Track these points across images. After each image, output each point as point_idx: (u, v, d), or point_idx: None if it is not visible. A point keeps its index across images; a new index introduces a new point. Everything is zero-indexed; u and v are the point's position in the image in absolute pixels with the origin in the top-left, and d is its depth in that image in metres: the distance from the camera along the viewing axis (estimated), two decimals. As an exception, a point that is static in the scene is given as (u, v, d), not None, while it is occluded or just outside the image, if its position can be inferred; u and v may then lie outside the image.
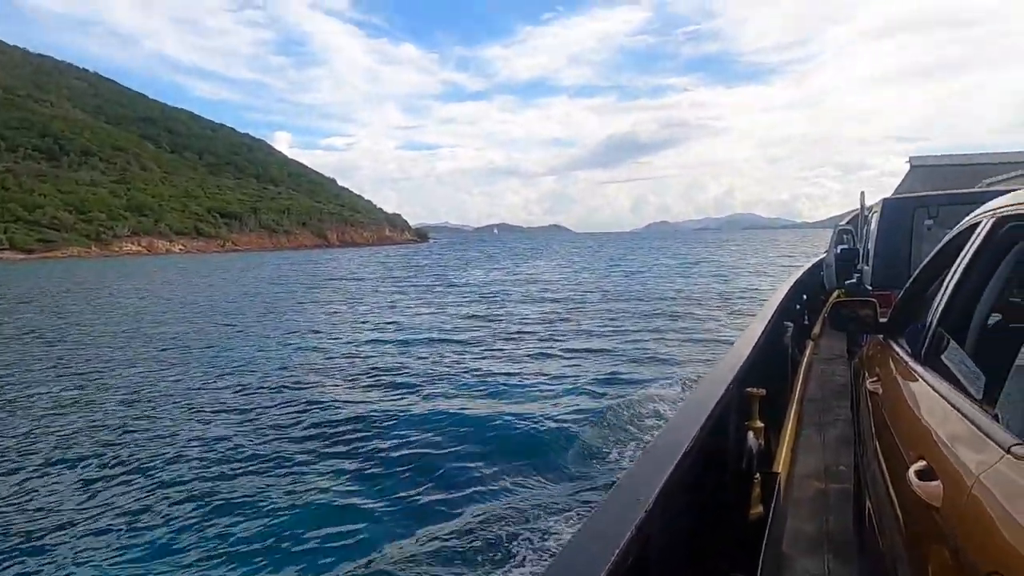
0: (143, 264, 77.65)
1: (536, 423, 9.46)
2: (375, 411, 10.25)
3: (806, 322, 8.50)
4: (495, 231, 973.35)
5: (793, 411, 5.28)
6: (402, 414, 10.03)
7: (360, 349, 16.15)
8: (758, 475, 2.68)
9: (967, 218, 2.14)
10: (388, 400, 11.03)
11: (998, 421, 1.17)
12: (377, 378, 12.73)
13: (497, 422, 9.62)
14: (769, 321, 4.26)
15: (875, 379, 2.47)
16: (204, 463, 8.19)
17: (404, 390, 11.63)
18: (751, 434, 2.72)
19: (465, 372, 13.07)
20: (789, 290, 6.66)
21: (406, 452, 8.40)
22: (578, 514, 6.47)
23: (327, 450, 8.64)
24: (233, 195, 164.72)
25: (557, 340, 16.88)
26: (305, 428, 9.59)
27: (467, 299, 28.12)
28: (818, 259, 12.52)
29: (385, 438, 8.98)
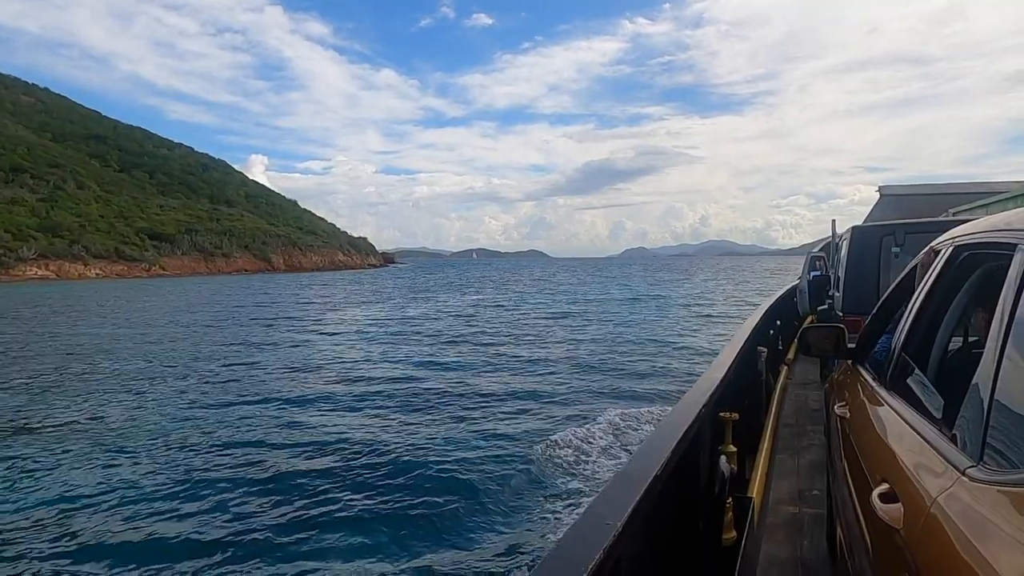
0: (34, 291, 63.77)
1: (494, 455, 9.48)
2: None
3: (780, 347, 8.59)
4: (474, 255, 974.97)
5: (767, 436, 5.31)
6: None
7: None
8: (731, 499, 2.68)
9: (928, 246, 2.21)
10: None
11: (955, 443, 1.20)
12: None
13: (455, 452, 9.68)
14: (742, 346, 4.30)
15: (843, 403, 2.51)
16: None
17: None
18: (724, 458, 2.74)
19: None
20: (763, 316, 6.73)
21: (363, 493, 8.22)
22: (548, 539, 6.47)
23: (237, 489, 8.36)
24: (172, 215, 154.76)
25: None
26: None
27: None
28: (792, 285, 12.71)
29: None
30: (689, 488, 2.32)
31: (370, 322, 30.75)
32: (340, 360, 19.03)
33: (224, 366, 17.92)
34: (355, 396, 13.65)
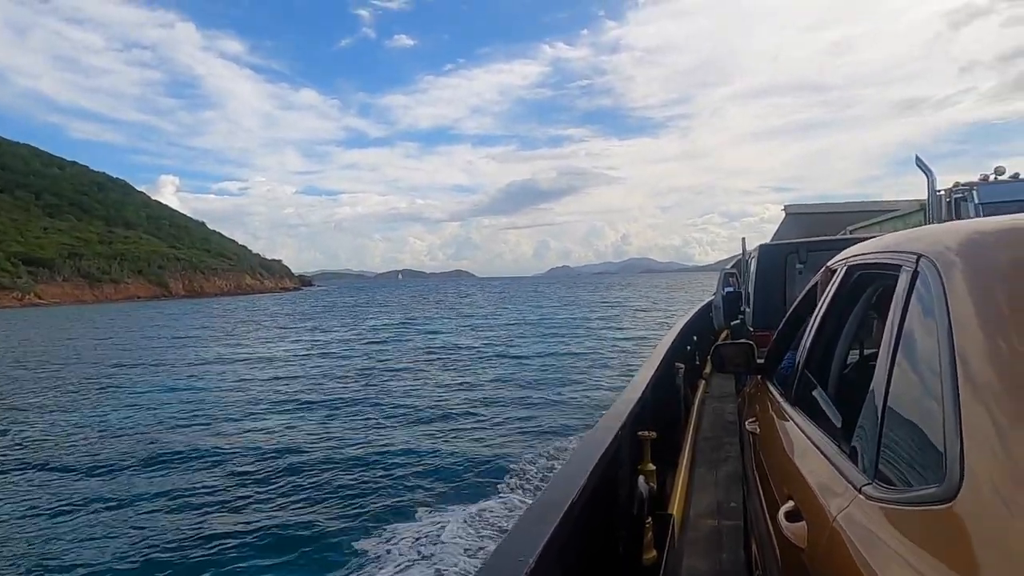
0: None
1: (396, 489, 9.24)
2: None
3: (697, 362, 8.85)
4: (399, 277, 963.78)
5: (687, 451, 5.41)
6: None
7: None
8: (650, 519, 2.69)
9: (825, 266, 2.31)
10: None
11: (853, 460, 1.23)
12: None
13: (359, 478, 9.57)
14: (660, 364, 4.37)
15: (753, 419, 2.57)
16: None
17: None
18: (642, 478, 2.75)
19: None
20: (679, 332, 6.91)
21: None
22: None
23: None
24: (55, 239, 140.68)
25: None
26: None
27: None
28: (708, 300, 13.18)
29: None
30: (607, 512, 2.31)
31: (218, 359, 26.09)
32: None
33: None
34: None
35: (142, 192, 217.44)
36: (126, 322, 55.76)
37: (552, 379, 18.41)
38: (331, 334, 37.48)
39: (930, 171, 13.98)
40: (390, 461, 10.46)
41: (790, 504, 1.42)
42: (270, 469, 10.23)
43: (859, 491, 1.10)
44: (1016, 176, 12.24)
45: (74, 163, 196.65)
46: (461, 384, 17.94)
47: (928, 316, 1.09)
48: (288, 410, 15.22)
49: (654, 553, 2.72)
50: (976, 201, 12.04)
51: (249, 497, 8.92)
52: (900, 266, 1.33)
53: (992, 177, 12.31)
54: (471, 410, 14.44)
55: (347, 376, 20.23)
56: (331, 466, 10.29)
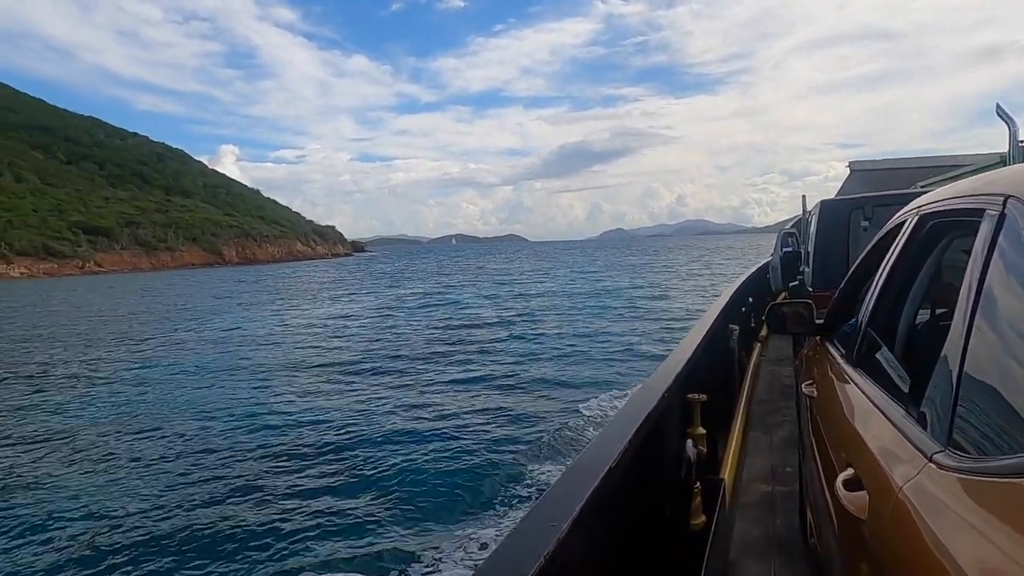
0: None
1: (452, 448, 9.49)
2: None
3: (753, 325, 8.59)
4: (453, 241, 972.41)
5: (740, 414, 5.28)
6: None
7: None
8: (699, 484, 2.61)
9: (894, 217, 2.13)
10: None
11: (922, 426, 1.11)
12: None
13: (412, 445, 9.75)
14: (711, 326, 4.23)
15: (810, 382, 2.44)
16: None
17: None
18: (690, 442, 2.66)
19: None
20: (734, 293, 6.69)
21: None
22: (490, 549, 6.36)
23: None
24: (114, 208, 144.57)
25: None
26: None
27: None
28: (765, 262, 12.77)
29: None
30: (652, 476, 2.24)
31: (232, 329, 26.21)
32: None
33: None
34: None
35: (200, 161, 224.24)
36: (156, 291, 57.42)
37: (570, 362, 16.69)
38: (353, 304, 36.65)
39: (1012, 120, 13.10)
40: (406, 443, 10.10)
41: (849, 472, 1.31)
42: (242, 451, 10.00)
43: (929, 459, 0.98)
44: (1112, 123, 11.33)
45: (135, 134, 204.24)
46: (472, 364, 16.42)
47: (1018, 265, 0.96)
48: (268, 387, 14.69)
49: (703, 518, 2.64)
50: (1064, 151, 11.26)
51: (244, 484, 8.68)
52: (983, 210, 1.17)
53: (1084, 125, 11.44)
54: (476, 396, 13.33)
55: (342, 354, 19.00)
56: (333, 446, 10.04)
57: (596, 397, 12.07)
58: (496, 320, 25.14)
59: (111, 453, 10.07)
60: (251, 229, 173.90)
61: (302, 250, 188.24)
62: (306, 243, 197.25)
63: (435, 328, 23.69)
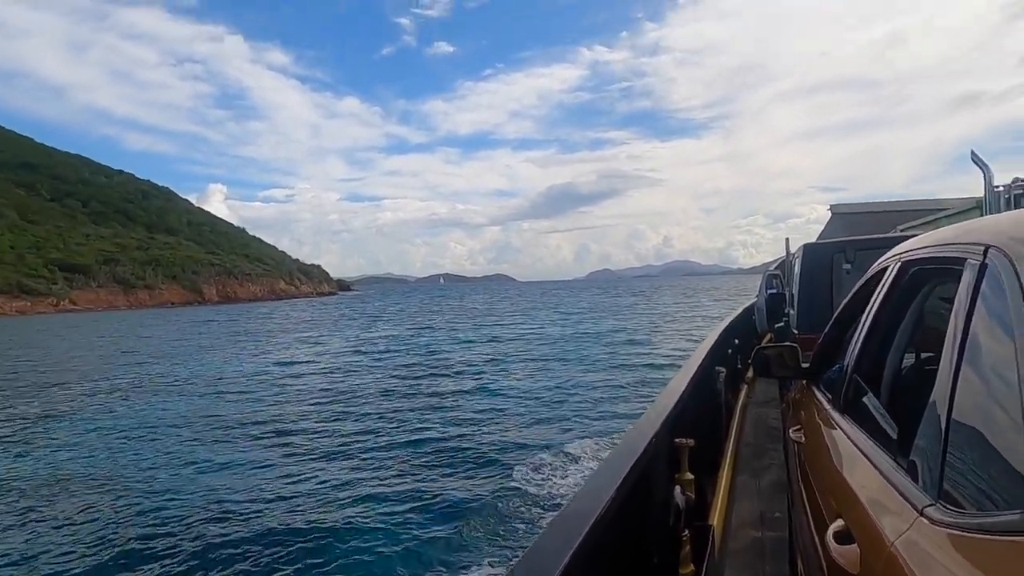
0: None
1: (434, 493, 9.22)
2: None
3: (739, 366, 8.58)
4: (441, 281, 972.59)
5: (728, 458, 5.22)
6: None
7: None
8: (687, 531, 2.55)
9: (877, 263, 2.15)
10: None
11: (912, 477, 1.10)
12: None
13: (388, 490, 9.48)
14: (698, 368, 4.21)
15: (798, 427, 2.42)
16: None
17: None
18: (678, 488, 2.61)
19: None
20: (720, 335, 6.69)
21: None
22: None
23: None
24: (94, 246, 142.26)
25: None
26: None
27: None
28: (750, 303, 12.85)
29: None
30: (640, 524, 2.19)
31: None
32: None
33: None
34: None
35: (186, 199, 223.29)
36: (115, 332, 54.82)
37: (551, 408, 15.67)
38: (317, 347, 34.10)
39: (987, 167, 13.44)
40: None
41: (840, 523, 1.29)
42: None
43: (920, 513, 0.97)
44: (1081, 170, 11.66)
45: (121, 172, 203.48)
46: (428, 419, 14.69)
47: (1000, 314, 0.96)
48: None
49: (692, 567, 2.58)
50: (1038, 197, 11.56)
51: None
52: (964, 259, 1.19)
53: (1056, 171, 11.76)
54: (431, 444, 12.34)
55: (293, 402, 17.61)
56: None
57: (550, 462, 10.66)
58: (465, 367, 23.17)
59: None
60: (233, 267, 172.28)
61: (285, 289, 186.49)
62: (290, 282, 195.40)
63: (397, 377, 21.44)
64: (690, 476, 2.86)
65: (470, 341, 33.91)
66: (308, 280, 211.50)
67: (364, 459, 11.36)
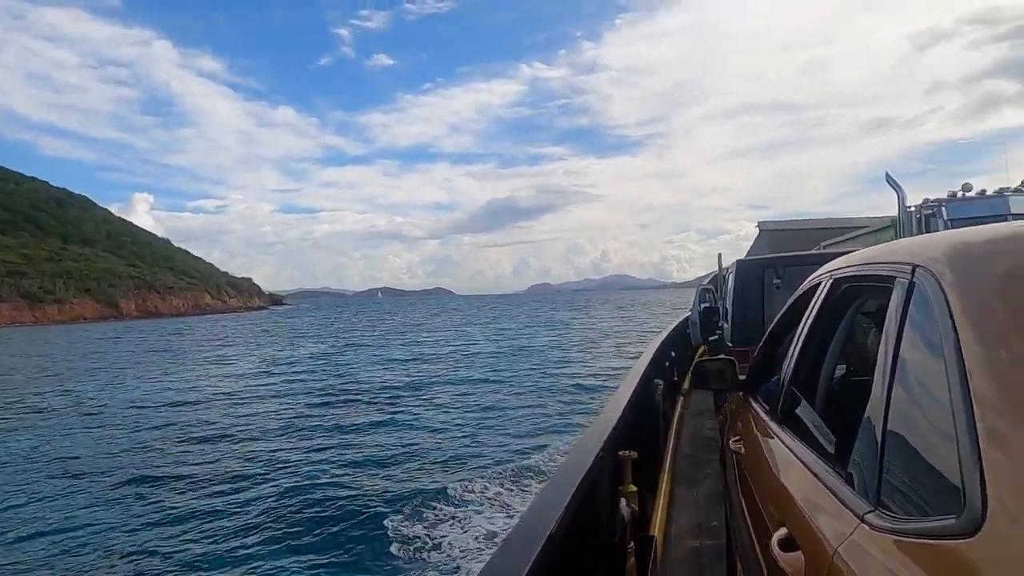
0: None
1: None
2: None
3: (675, 378, 8.80)
4: (379, 295, 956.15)
5: (667, 469, 5.32)
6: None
7: None
8: (632, 543, 2.59)
9: (809, 279, 2.25)
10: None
11: (851, 485, 1.15)
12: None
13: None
14: (639, 381, 4.29)
15: (737, 438, 2.49)
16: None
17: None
18: (624, 501, 2.65)
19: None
20: (658, 348, 6.85)
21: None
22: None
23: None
24: None
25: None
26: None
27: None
28: (685, 316, 13.20)
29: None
30: (588, 539, 2.20)
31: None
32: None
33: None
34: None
35: (106, 209, 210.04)
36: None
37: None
38: (224, 367, 31.31)
39: (900, 188, 14.33)
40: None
41: (783, 531, 1.33)
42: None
43: (861, 519, 1.01)
44: (983, 193, 12.60)
45: (33, 179, 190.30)
46: (328, 451, 13.40)
47: (930, 330, 1.02)
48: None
49: None
50: (945, 217, 12.37)
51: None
52: (893, 278, 1.26)
53: (960, 194, 12.66)
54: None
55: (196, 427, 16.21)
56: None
57: (438, 515, 9.38)
58: (381, 392, 21.01)
59: None
60: (154, 280, 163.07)
61: (211, 303, 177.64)
62: (217, 296, 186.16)
63: (301, 405, 19.34)
64: (633, 488, 2.90)
65: (394, 360, 31.41)
66: (238, 294, 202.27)
67: (227, 522, 9.36)
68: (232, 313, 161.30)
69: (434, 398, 19.69)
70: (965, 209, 12.70)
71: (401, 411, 17.53)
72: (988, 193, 12.80)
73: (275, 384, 24.31)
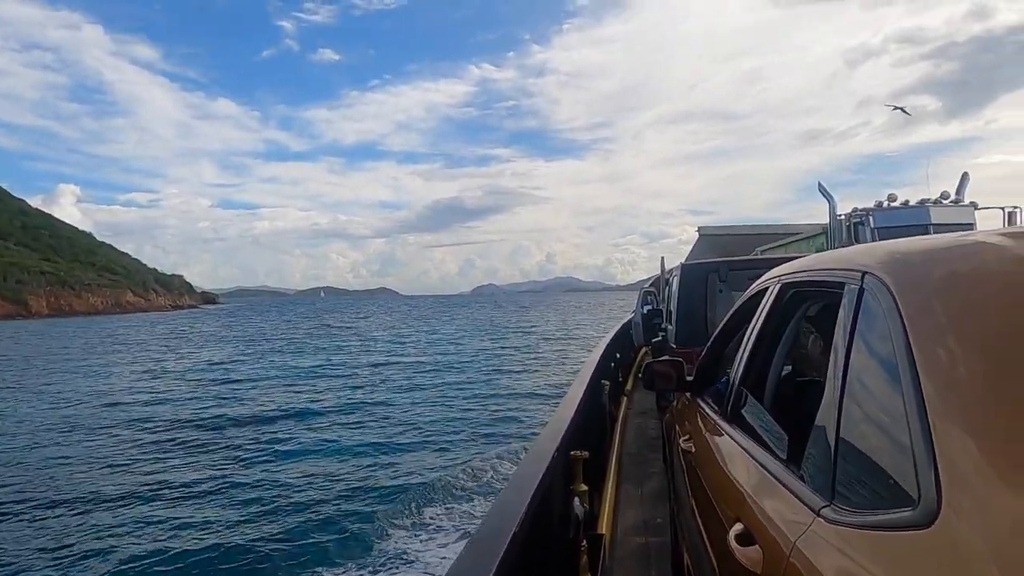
0: None
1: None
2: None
3: (620, 379, 8.97)
4: (321, 294, 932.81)
5: (613, 468, 5.42)
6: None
7: None
8: (585, 542, 2.63)
9: (756, 283, 2.33)
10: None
11: (806, 481, 1.20)
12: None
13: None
14: (588, 382, 4.36)
15: (687, 437, 2.56)
16: None
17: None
18: (576, 500, 2.68)
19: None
20: (605, 349, 6.97)
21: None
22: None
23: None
24: None
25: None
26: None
27: None
28: (628, 318, 13.46)
29: None
30: (546, 538, 2.22)
31: None
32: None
33: None
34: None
35: (21, 199, 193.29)
36: None
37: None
38: (98, 380, 25.93)
39: (831, 197, 15.02)
40: None
41: (739, 527, 1.38)
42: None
43: (817, 513, 1.06)
44: (906, 203, 13.40)
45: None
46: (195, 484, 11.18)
47: (880, 332, 1.08)
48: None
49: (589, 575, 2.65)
50: (872, 225, 13.13)
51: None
52: (843, 283, 1.32)
53: (886, 204, 13.42)
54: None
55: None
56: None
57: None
58: (270, 415, 17.41)
59: None
60: (70, 277, 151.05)
61: (132, 301, 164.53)
62: (140, 294, 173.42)
63: (167, 430, 15.82)
64: (584, 487, 2.95)
65: (297, 371, 27.14)
66: (167, 292, 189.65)
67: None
68: (157, 312, 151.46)
69: (332, 423, 16.36)
70: (890, 218, 13.51)
71: (282, 443, 14.24)
72: (911, 203, 13.66)
73: (148, 404, 19.76)
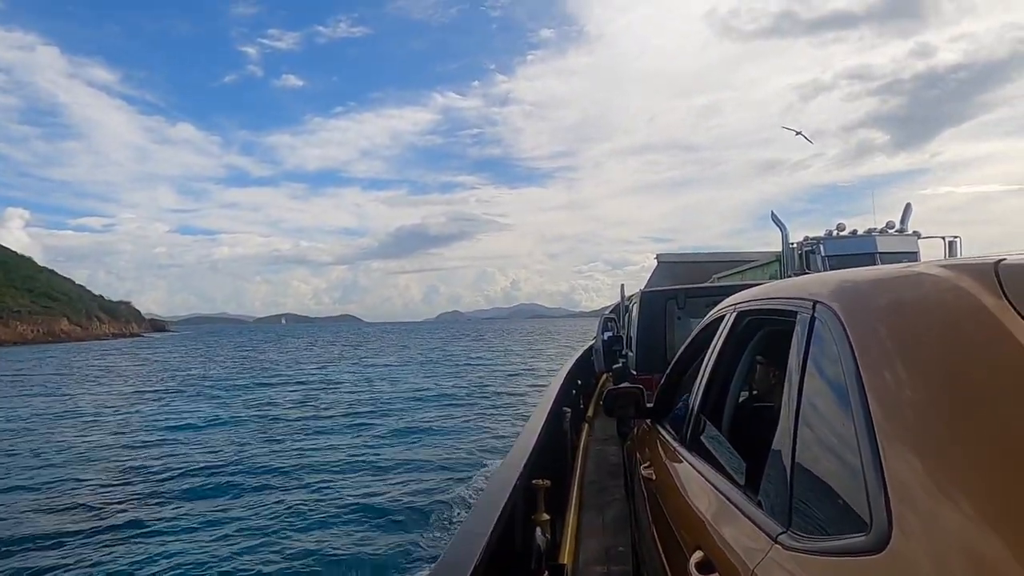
0: None
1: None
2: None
3: (581, 406, 8.97)
4: (283, 321, 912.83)
5: (574, 496, 5.38)
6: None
7: None
8: (547, 572, 2.59)
9: (713, 311, 2.37)
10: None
11: (763, 508, 1.22)
12: None
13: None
14: (550, 409, 4.34)
15: (647, 464, 2.56)
16: None
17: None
18: (539, 530, 2.66)
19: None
20: (566, 376, 6.97)
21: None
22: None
23: None
24: None
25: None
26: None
27: None
28: (589, 344, 13.52)
29: None
30: (506, 570, 2.19)
31: None
32: None
33: None
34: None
35: None
36: None
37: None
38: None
39: (784, 226, 15.53)
40: None
41: (699, 554, 1.39)
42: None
43: (775, 540, 1.07)
44: (854, 232, 13.98)
45: None
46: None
47: (831, 359, 1.11)
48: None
49: None
50: (823, 253, 13.65)
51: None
52: (795, 312, 1.36)
53: (835, 232, 13.97)
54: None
55: None
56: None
57: None
58: (167, 471, 13.59)
59: None
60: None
61: (67, 329, 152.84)
62: (78, 321, 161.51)
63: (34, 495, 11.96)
64: (547, 516, 2.92)
65: (214, 416, 21.14)
66: (112, 320, 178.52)
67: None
68: (95, 341, 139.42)
69: (238, 483, 12.49)
70: (839, 246, 14.10)
71: (175, 506, 11.07)
72: (859, 232, 14.28)
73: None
